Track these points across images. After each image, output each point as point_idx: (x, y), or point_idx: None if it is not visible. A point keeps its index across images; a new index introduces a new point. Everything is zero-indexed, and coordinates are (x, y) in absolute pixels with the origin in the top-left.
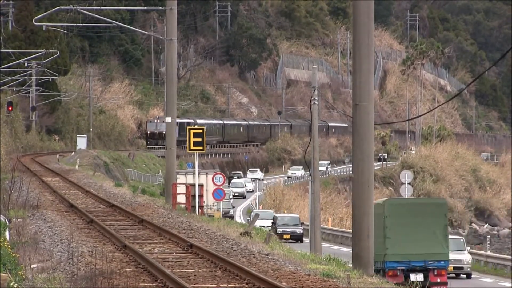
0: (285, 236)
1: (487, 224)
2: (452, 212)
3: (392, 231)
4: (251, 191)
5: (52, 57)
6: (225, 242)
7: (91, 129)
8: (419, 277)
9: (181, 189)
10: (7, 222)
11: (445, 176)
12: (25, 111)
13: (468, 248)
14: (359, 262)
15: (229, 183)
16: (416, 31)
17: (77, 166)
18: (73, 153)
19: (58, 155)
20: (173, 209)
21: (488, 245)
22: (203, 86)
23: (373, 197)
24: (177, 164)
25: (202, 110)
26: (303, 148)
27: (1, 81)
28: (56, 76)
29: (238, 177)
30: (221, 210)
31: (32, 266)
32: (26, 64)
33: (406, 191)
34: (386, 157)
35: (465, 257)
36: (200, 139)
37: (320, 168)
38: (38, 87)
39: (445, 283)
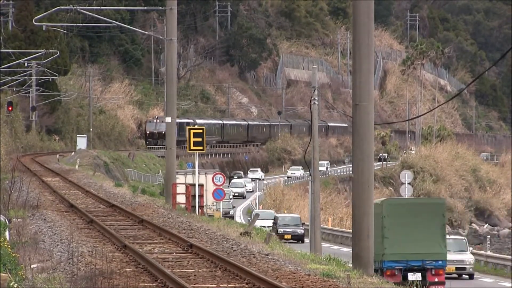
0: (286, 236)
1: (487, 224)
2: (452, 212)
3: (390, 231)
4: (251, 191)
5: (52, 57)
6: (225, 242)
7: (91, 129)
8: (417, 276)
9: (181, 189)
10: (7, 222)
11: (445, 176)
12: (25, 111)
13: (471, 248)
14: (359, 262)
15: (229, 183)
16: (416, 31)
17: (77, 166)
18: (73, 153)
19: (58, 155)
20: (173, 209)
21: (488, 245)
22: (203, 86)
23: (373, 197)
24: (177, 164)
25: (202, 110)
26: (303, 148)
27: (1, 81)
28: (56, 76)
29: (238, 177)
30: (221, 210)
31: (32, 266)
32: (26, 64)
33: (406, 191)
34: (386, 157)
35: (467, 257)
36: (200, 139)
37: (320, 168)
38: (38, 87)
39: (443, 283)
